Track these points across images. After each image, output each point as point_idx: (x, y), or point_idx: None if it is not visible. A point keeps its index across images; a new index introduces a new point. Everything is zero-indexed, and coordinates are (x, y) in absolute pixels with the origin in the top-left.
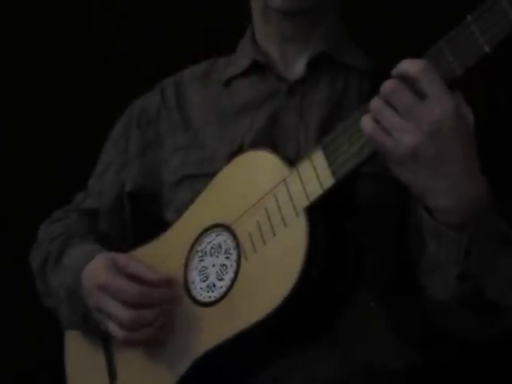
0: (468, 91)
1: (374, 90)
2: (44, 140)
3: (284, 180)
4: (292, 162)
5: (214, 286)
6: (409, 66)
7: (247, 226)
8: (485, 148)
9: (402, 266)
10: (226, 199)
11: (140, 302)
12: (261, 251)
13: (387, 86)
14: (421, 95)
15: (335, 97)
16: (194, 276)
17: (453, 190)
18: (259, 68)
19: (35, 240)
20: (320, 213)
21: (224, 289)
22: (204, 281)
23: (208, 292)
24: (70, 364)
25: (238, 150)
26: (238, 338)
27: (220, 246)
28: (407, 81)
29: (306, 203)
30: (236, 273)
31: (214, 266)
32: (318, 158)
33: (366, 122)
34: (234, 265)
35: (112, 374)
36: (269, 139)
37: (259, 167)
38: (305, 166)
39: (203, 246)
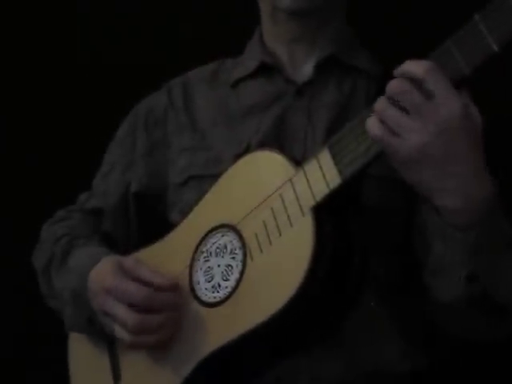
0: (474, 90)
1: (381, 92)
2: (44, 140)
3: (290, 180)
4: (298, 161)
5: (219, 286)
6: (414, 66)
7: (253, 226)
8: (488, 148)
9: (407, 267)
10: (232, 199)
11: (146, 305)
12: (267, 251)
13: (393, 85)
14: (427, 95)
15: (343, 99)
16: (199, 276)
17: (460, 190)
18: (267, 69)
19: (37, 240)
20: (326, 213)
21: (229, 289)
22: (209, 281)
23: (213, 292)
24: (73, 365)
25: (245, 152)
26: (243, 339)
27: (225, 247)
28: (413, 81)
29: (313, 203)
30: (241, 273)
31: (219, 266)
32: (325, 158)
33: (372, 124)
34: (240, 265)
35: (116, 375)
36: (276, 141)
37: (265, 167)
38: (311, 166)
39: (208, 246)
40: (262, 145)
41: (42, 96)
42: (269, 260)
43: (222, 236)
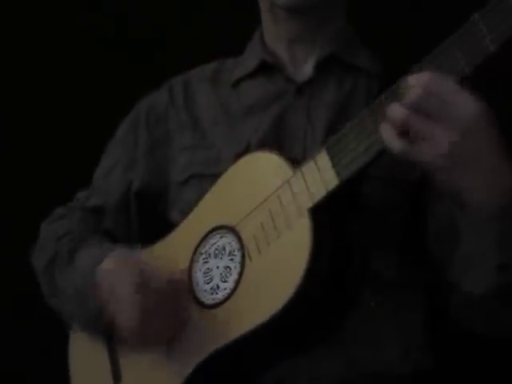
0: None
1: (381, 91)
2: (44, 140)
3: (288, 181)
4: (297, 162)
5: (218, 288)
6: (415, 81)
7: (251, 227)
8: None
9: (407, 266)
10: (231, 201)
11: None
12: (265, 252)
13: (412, 95)
14: (442, 100)
15: (343, 98)
16: (199, 278)
17: (488, 184)
18: (268, 69)
19: (35, 239)
20: (324, 213)
21: (228, 291)
22: (208, 283)
23: (212, 294)
24: (73, 365)
25: (245, 151)
26: (243, 340)
27: (224, 248)
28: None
29: (310, 204)
30: (240, 274)
31: (218, 267)
32: (323, 159)
33: (392, 140)
34: (238, 266)
35: (116, 375)
36: (276, 140)
37: (263, 169)
38: (309, 167)
39: (207, 247)
40: (262, 144)
41: (42, 96)
42: (267, 261)
43: (221, 237)
